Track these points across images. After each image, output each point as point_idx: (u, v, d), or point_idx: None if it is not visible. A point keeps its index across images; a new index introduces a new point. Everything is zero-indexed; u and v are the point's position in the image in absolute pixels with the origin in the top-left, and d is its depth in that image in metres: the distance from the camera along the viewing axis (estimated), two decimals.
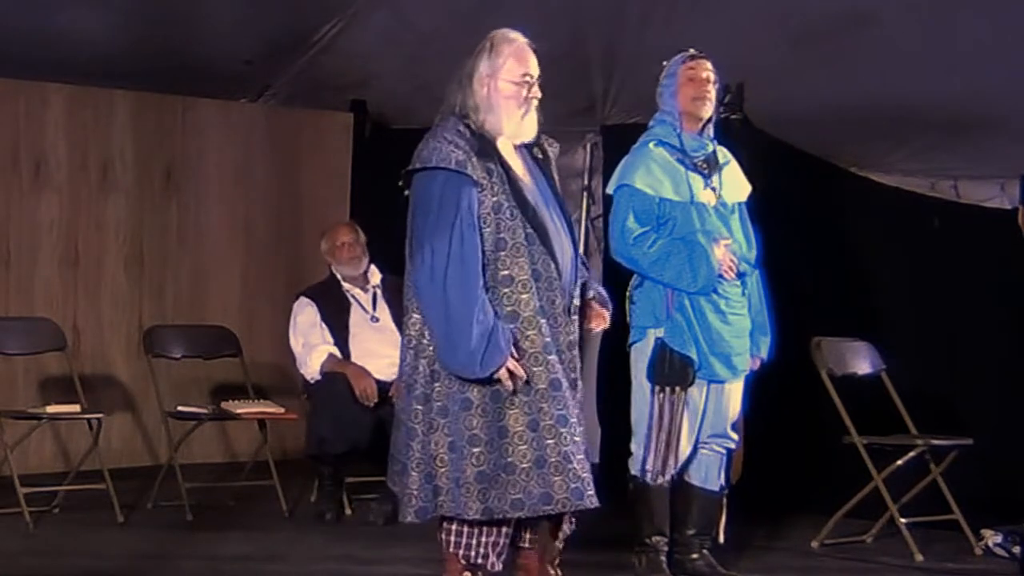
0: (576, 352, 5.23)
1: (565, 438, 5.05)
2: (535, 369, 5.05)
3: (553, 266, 5.12)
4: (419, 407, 5.08)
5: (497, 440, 5.05)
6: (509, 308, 5.05)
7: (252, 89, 9.85)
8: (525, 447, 5.04)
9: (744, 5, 8.01)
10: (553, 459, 5.04)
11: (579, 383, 5.22)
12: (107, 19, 8.55)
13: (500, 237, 5.06)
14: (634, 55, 8.39)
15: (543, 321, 5.07)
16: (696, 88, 6.21)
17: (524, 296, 5.06)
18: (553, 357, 5.07)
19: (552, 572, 5.53)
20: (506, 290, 5.06)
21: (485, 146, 5.12)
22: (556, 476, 5.03)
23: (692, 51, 6.29)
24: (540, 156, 5.32)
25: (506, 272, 5.06)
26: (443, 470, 5.05)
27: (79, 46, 8.64)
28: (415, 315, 5.13)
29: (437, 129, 5.16)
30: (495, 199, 5.07)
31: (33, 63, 8.65)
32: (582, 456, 5.10)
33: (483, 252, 5.04)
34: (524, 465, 5.03)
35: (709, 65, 6.25)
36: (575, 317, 5.21)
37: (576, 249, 5.29)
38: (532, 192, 5.18)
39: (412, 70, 9.35)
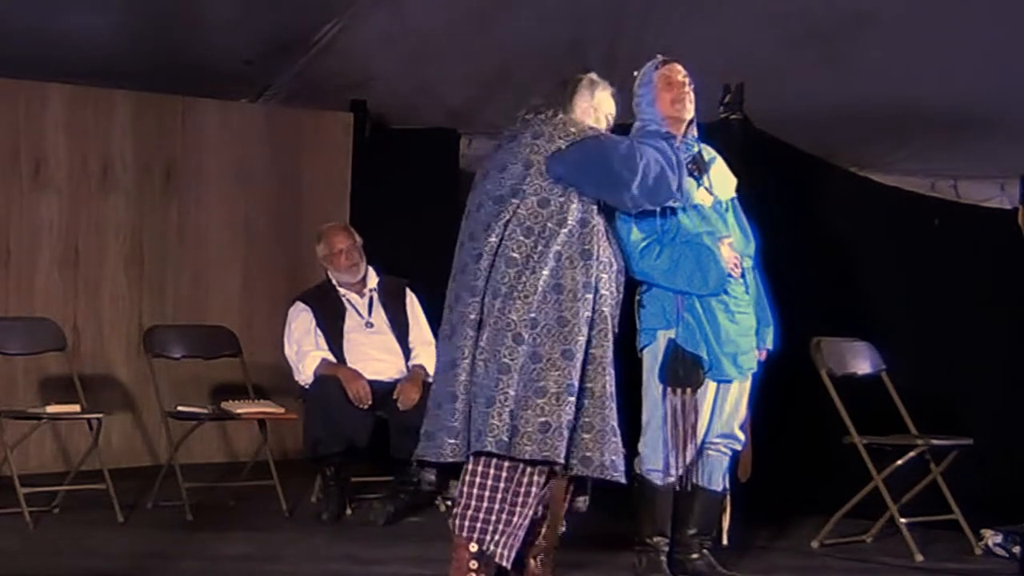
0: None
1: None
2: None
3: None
4: (515, 345, 5.45)
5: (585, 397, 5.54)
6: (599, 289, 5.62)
7: (252, 89, 9.84)
8: (608, 412, 5.55)
9: (744, 5, 8.01)
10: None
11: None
12: (107, 19, 8.54)
13: (585, 248, 5.59)
14: (634, 55, 8.36)
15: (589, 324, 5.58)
16: (674, 91, 6.17)
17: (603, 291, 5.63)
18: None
19: (534, 563, 5.58)
20: (602, 272, 5.63)
21: None
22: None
23: (661, 56, 6.27)
24: None
25: (589, 249, 5.62)
26: (528, 413, 5.39)
27: (79, 46, 8.63)
28: (547, 266, 5.51)
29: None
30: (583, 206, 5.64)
31: (33, 63, 8.65)
32: None
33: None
34: (603, 427, 5.53)
35: (680, 67, 6.23)
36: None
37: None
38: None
39: (412, 70, 9.34)
